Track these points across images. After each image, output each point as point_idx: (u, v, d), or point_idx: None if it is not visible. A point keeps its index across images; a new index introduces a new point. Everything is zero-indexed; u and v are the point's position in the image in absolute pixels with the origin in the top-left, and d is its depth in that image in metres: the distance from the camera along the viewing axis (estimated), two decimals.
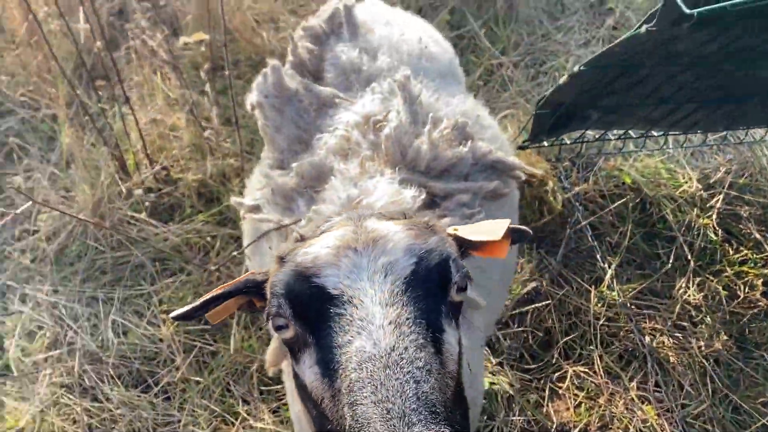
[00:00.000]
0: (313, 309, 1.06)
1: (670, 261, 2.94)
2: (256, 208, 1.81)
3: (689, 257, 2.94)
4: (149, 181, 3.05)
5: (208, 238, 2.94)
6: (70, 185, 3.16)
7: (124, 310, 2.84)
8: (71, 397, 2.57)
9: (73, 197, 3.06)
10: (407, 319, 1.01)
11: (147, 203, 2.95)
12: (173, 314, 1.24)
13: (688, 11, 1.60)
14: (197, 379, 2.61)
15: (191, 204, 3.08)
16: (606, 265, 2.93)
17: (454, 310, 1.12)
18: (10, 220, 3.04)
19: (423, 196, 1.50)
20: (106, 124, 3.10)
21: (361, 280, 1.04)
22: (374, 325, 0.99)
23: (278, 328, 1.12)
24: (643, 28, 1.80)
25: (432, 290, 1.07)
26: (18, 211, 1.75)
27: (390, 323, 0.99)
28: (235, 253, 2.66)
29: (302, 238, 1.20)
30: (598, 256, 2.97)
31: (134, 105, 3.37)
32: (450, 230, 1.23)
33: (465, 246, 1.23)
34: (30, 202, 1.70)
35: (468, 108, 1.87)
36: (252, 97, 1.92)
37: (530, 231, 1.30)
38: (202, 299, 1.22)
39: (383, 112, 1.75)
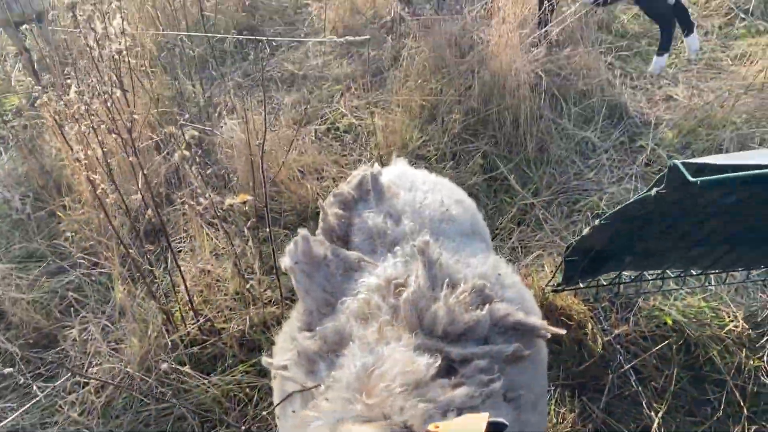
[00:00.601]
0: None
1: (722, 407, 2.81)
2: (284, 368, 1.87)
3: (742, 403, 2.80)
4: (194, 333, 3.17)
5: (248, 389, 2.99)
6: (121, 336, 3.31)
7: None
8: None
9: (122, 349, 3.20)
10: None
11: (190, 355, 3.05)
12: None
13: (691, 179, 1.66)
14: None
15: (233, 354, 3.16)
16: (653, 413, 2.82)
17: None
18: (63, 371, 3.20)
19: (438, 363, 1.53)
20: (155, 281, 3.30)
21: None
22: None
23: None
24: (653, 191, 1.87)
25: None
26: (56, 384, 1.86)
27: None
28: (264, 413, 2.69)
29: None
30: (643, 403, 2.87)
31: (185, 257, 3.59)
32: (431, 427, 1.25)
33: None
34: (69, 374, 1.80)
35: (488, 268, 1.93)
36: (285, 262, 2.04)
37: (507, 423, 1.28)
38: None
39: (404, 275, 1.83)
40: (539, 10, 4.79)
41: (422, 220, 2.05)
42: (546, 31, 4.62)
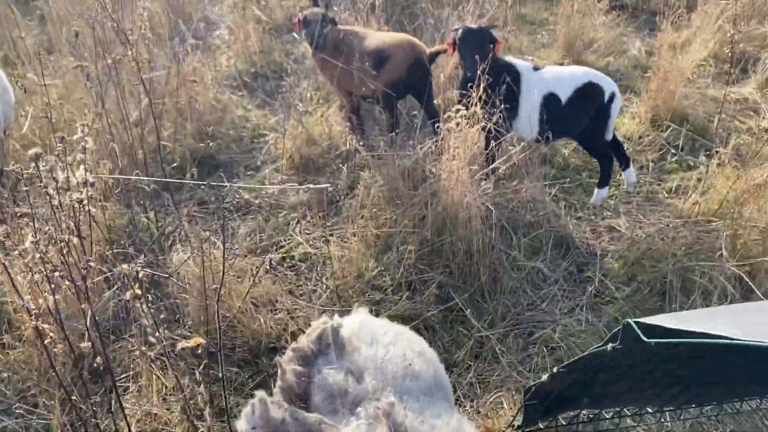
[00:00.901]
0: None
1: None
2: None
3: None
4: None
5: None
6: None
7: None
8: None
9: None
10: None
11: None
12: None
13: (645, 339, 1.72)
14: None
15: None
16: None
17: None
18: None
19: None
20: (98, 427, 3.11)
21: None
22: None
23: None
24: (609, 346, 1.92)
25: None
26: None
27: None
28: None
29: None
30: None
31: (130, 398, 3.41)
32: None
33: None
34: None
35: (452, 430, 1.91)
36: (241, 426, 1.97)
37: None
38: None
39: None
40: (486, 149, 5.05)
41: (385, 377, 2.03)
42: (493, 167, 4.85)
